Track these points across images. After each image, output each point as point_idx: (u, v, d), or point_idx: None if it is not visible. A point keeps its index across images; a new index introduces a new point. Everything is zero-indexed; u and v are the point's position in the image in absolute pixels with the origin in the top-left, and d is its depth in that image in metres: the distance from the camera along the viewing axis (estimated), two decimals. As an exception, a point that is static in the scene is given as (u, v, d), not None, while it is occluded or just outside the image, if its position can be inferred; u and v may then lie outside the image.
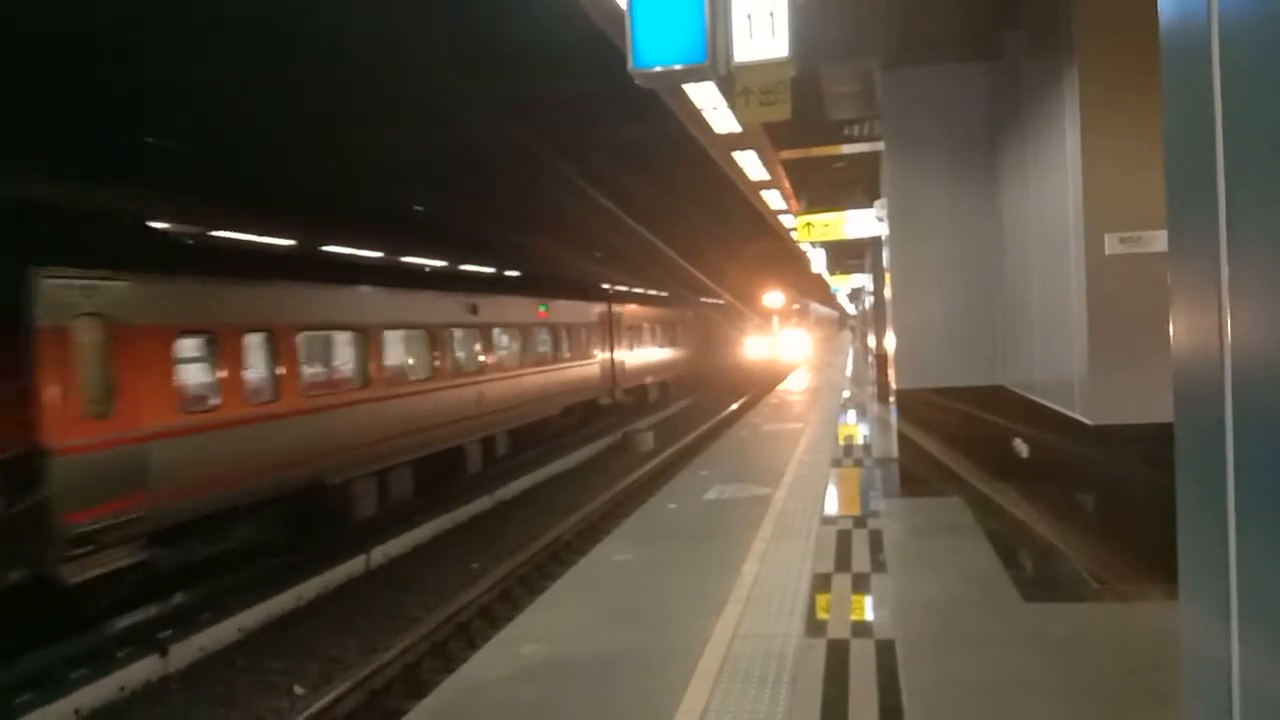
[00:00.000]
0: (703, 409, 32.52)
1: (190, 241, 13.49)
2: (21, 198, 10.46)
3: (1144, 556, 5.75)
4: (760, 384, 35.86)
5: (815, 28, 8.34)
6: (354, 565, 13.46)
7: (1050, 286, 7.62)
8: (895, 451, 10.92)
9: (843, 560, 7.75)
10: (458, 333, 18.47)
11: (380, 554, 14.13)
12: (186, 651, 10.25)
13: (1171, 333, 1.77)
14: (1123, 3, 5.92)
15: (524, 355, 21.79)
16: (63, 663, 9.60)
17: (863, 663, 5.49)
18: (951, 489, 9.66)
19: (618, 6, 6.17)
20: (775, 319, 48.46)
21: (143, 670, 9.74)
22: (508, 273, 24.27)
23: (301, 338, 13.72)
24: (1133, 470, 5.98)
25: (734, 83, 5.83)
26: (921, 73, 10.15)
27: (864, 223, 16.19)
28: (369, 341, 15.23)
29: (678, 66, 5.37)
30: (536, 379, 22.25)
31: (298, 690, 9.59)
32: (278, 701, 9.40)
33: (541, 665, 5.84)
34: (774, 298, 47.52)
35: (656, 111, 10.90)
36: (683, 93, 9.36)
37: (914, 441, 10.24)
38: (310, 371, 14.40)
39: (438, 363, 17.54)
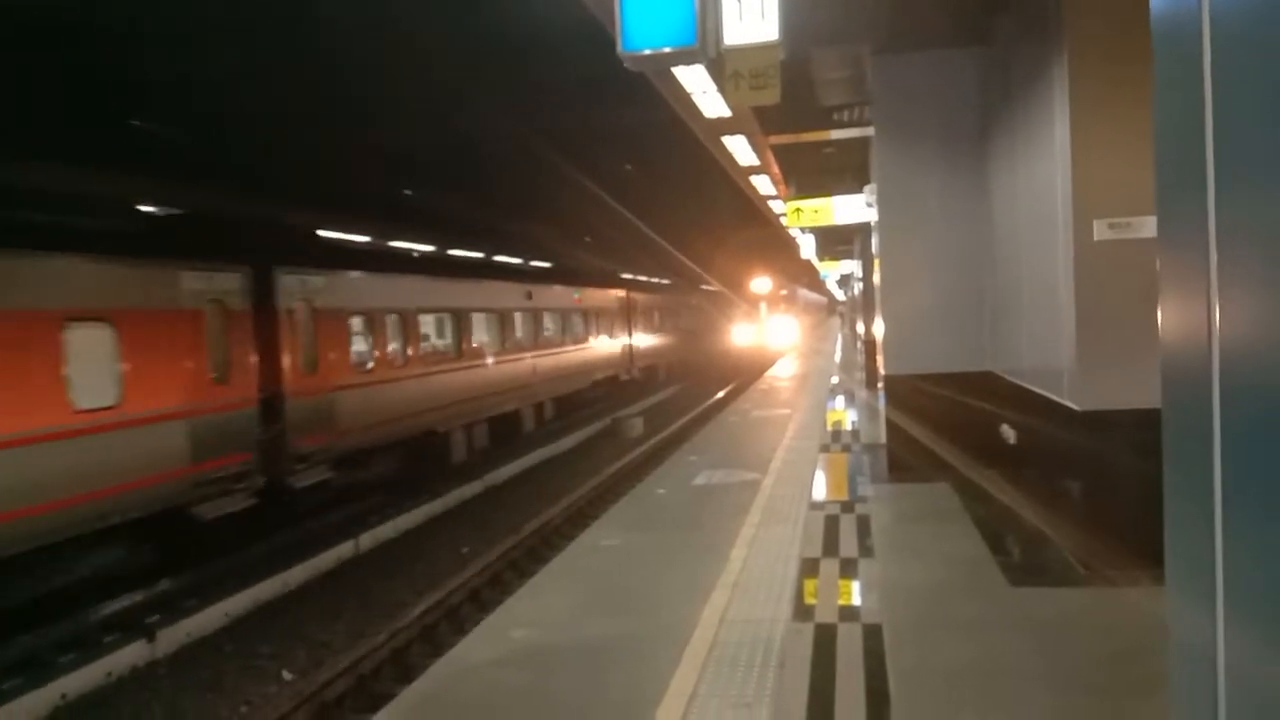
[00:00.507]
0: (690, 396, 32.55)
1: (350, 246, 17.86)
2: (258, 215, 14.79)
3: (1131, 542, 5.77)
4: (748, 371, 35.79)
5: (805, 12, 8.29)
6: (343, 550, 13.46)
7: (1039, 272, 7.62)
8: (883, 437, 10.94)
9: (830, 545, 7.77)
10: (518, 315, 22.06)
11: (369, 538, 14.13)
12: (174, 637, 10.24)
13: (1160, 320, 1.77)
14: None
15: (565, 335, 25.38)
16: (50, 647, 9.58)
17: (850, 647, 5.51)
18: (939, 475, 9.69)
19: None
20: (763, 305, 47.70)
21: (130, 655, 9.72)
22: (549, 263, 27.74)
23: (420, 319, 17.60)
24: (1120, 456, 6.00)
25: (723, 66, 5.81)
26: (912, 58, 10.12)
27: (853, 208, 16.18)
28: (461, 322, 19.09)
29: (667, 49, 5.35)
30: (575, 355, 26.03)
31: (286, 675, 9.59)
32: (266, 687, 9.40)
33: (530, 650, 5.85)
34: (761, 283, 46.88)
35: (646, 96, 10.88)
36: (672, 76, 9.32)
37: (902, 427, 10.26)
38: (426, 345, 18.01)
39: (505, 340, 21.20)
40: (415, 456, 17.18)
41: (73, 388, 10.17)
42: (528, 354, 22.39)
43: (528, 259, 26.48)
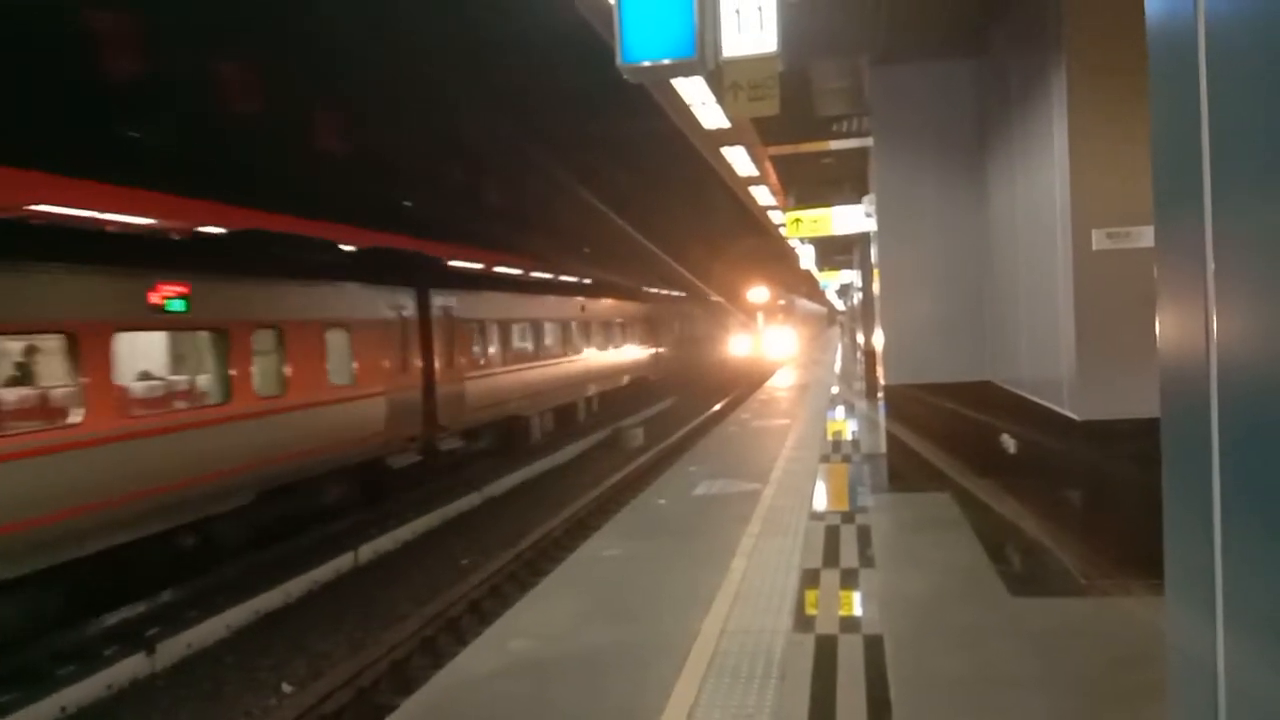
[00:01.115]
0: (687, 409, 32.50)
1: (467, 271, 22.64)
2: (416, 250, 19.89)
3: (1131, 551, 5.77)
4: (743, 384, 35.61)
5: (804, 23, 8.32)
6: (342, 561, 13.43)
7: (1038, 282, 7.64)
8: (883, 447, 10.94)
9: (831, 555, 7.77)
10: (574, 324, 26.29)
11: (369, 550, 14.11)
12: (174, 649, 10.20)
13: (1158, 329, 1.78)
14: (1110, -1, 5.93)
15: (607, 341, 29.78)
16: (49, 659, 9.56)
17: (851, 658, 5.50)
18: (939, 484, 9.69)
19: (606, 1, 6.15)
20: (760, 315, 46.71)
21: (130, 668, 9.69)
22: (590, 280, 31.99)
23: (513, 326, 22.12)
24: (1120, 465, 6.00)
25: (722, 78, 5.83)
26: (910, 69, 10.16)
27: (852, 218, 16.21)
28: (538, 329, 23.51)
29: (666, 61, 5.36)
30: (615, 358, 30.55)
31: (286, 688, 9.56)
32: (265, 699, 9.37)
33: (530, 661, 5.84)
34: (758, 293, 46.04)
35: (644, 106, 10.94)
36: (671, 88, 9.35)
37: (902, 437, 10.26)
38: (516, 347, 22.36)
39: (566, 344, 25.56)
40: (506, 434, 21.94)
41: (330, 372, 14.37)
42: (580, 355, 26.88)
43: (578, 277, 31.20)
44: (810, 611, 6.41)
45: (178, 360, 14.14)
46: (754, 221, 25.00)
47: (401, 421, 16.38)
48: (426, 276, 18.33)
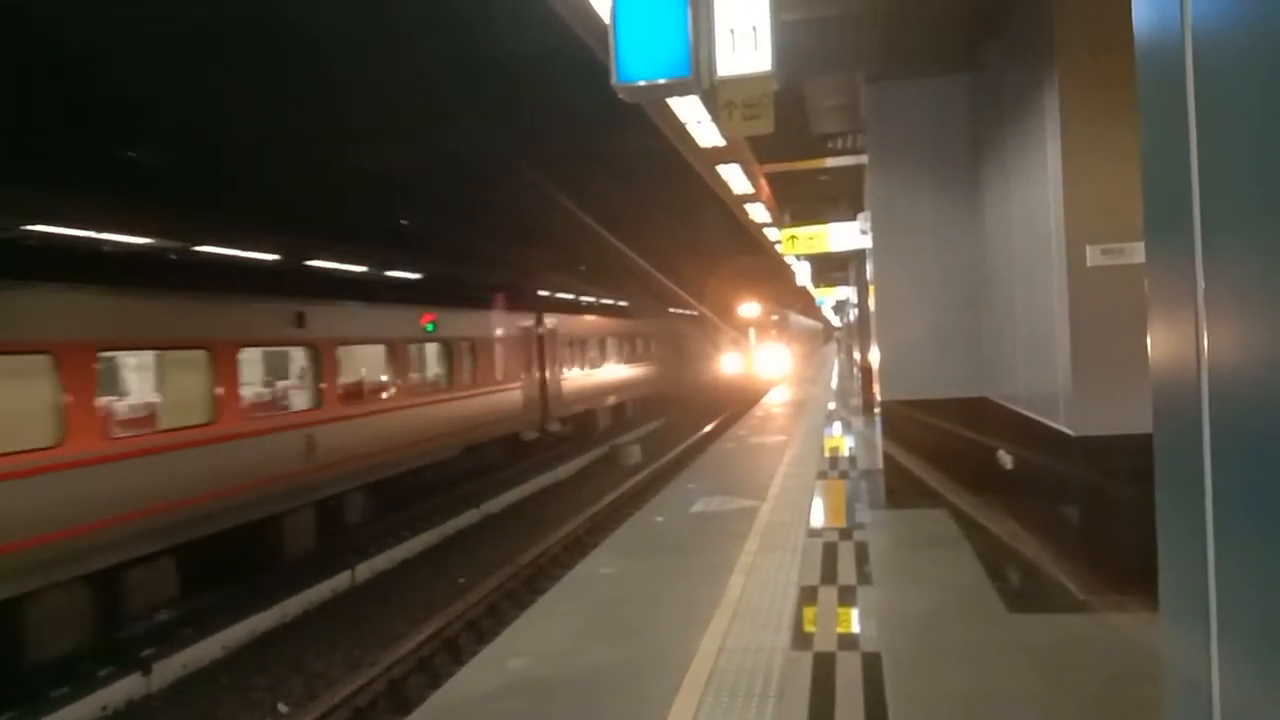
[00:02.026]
0: (684, 427, 32.47)
1: (563, 301, 30.23)
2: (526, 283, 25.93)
3: (1128, 567, 5.76)
4: (736, 403, 35.34)
5: (798, 41, 8.38)
6: (339, 581, 13.39)
7: (1033, 298, 7.66)
8: (880, 463, 10.93)
9: (829, 573, 7.75)
10: (619, 339, 31.93)
11: (366, 569, 14.07)
12: (169, 669, 10.16)
13: (1149, 345, 1.79)
14: (1104, 16, 5.96)
15: (641, 355, 34.68)
16: (44, 680, 9.51)
17: (849, 675, 5.49)
18: (937, 501, 9.68)
19: (601, 20, 6.19)
20: (751, 332, 45.16)
21: (125, 688, 9.65)
22: (624, 301, 38.06)
23: (587, 341, 27.97)
24: (1116, 481, 6.00)
25: (717, 96, 5.85)
26: (905, 86, 10.21)
27: (848, 235, 16.24)
28: (602, 342, 29.57)
29: (661, 80, 5.38)
30: (648, 370, 35.52)
31: (282, 708, 9.52)
32: (262, 719, 9.33)
33: (528, 680, 5.82)
34: (749, 309, 44.73)
35: (636, 122, 10.98)
36: (666, 106, 9.39)
37: (899, 454, 10.26)
38: (589, 357, 28.24)
39: (615, 356, 31.08)
40: (580, 426, 27.19)
41: (497, 371, 21.01)
42: (622, 365, 32.17)
43: (618, 297, 36.91)
44: (808, 629, 6.39)
45: (432, 362, 19.47)
46: (746, 236, 25.27)
47: (530, 408, 22.94)
48: (542, 303, 25.46)
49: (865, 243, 12.95)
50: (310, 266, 18.25)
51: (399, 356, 16.77)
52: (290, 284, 14.94)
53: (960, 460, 9.67)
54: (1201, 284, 1.55)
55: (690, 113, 9.61)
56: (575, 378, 26.52)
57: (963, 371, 10.02)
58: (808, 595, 7.14)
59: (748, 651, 5.96)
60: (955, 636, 6.09)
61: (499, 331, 21.30)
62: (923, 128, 10.22)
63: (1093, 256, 6.41)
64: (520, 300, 23.15)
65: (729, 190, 15.66)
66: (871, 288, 11.90)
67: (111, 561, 10.26)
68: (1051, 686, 5.22)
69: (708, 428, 29.14)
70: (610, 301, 35.69)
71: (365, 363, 16.42)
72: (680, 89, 5.59)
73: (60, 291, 10.12)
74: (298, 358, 15.13)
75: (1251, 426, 1.42)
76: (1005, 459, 8.94)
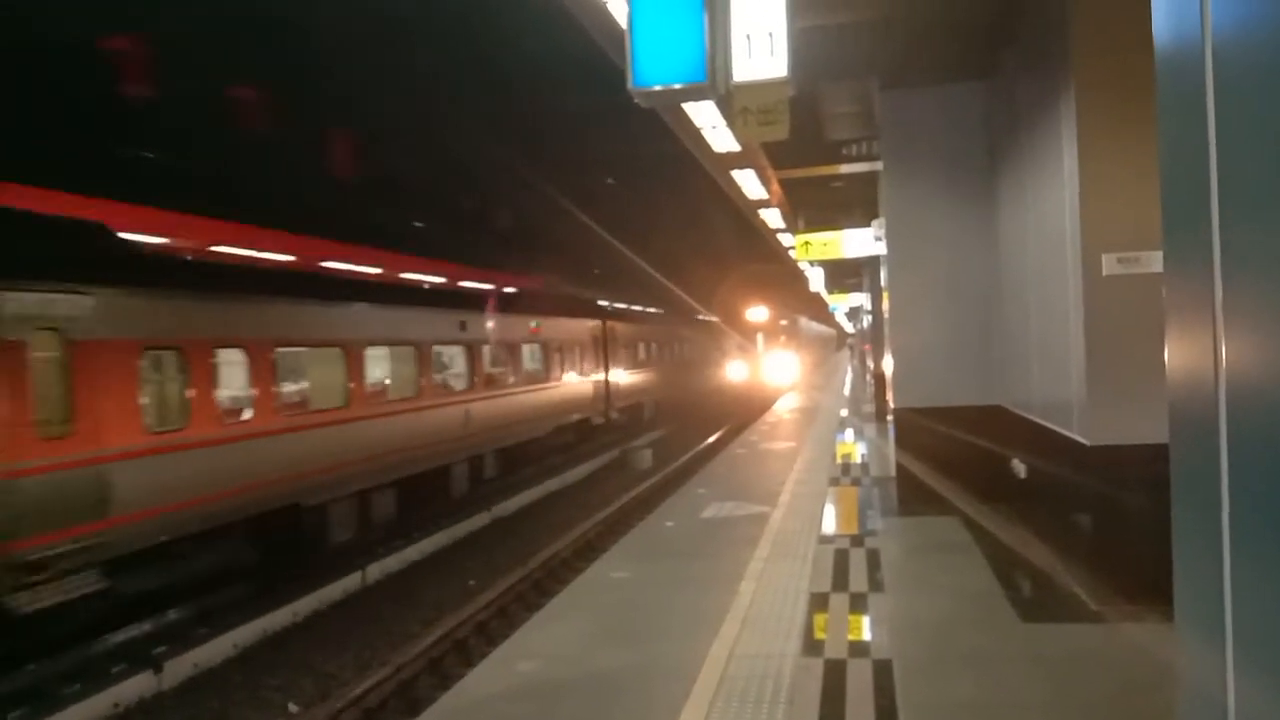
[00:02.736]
0: (695, 433, 32.43)
1: (622, 308, 32.13)
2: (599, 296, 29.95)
3: (1142, 577, 5.73)
4: (740, 414, 34.39)
5: (814, 48, 8.38)
6: (350, 581, 13.42)
7: (1048, 306, 7.63)
8: (893, 471, 10.90)
9: (840, 579, 7.73)
10: (658, 342, 35.16)
11: (377, 570, 14.10)
12: (181, 668, 10.19)
13: (1166, 354, 1.78)
14: (1120, 23, 5.95)
15: (669, 357, 37.23)
16: (56, 678, 9.55)
17: (860, 683, 5.47)
18: (949, 508, 9.65)
19: (618, 25, 6.20)
20: (760, 337, 43.21)
21: (136, 686, 9.68)
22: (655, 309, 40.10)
23: (639, 343, 32.10)
24: (1131, 491, 5.97)
25: (733, 102, 5.86)
26: (920, 93, 10.20)
27: (862, 242, 16.21)
28: (644, 345, 32.89)
29: (677, 85, 5.39)
30: (675, 371, 37.72)
31: (292, 708, 9.54)
32: (272, 719, 9.35)
33: (538, 683, 5.82)
34: (757, 313, 42.94)
35: (646, 125, 11.01)
36: (682, 111, 9.40)
37: (911, 461, 10.23)
38: (640, 356, 32.30)
39: (649, 357, 33.79)
40: (632, 415, 30.67)
41: (579, 367, 25.16)
42: (691, 364, 37.75)
43: (649, 306, 38.88)
44: (819, 635, 6.38)
45: (537, 359, 22.99)
46: (755, 239, 25.71)
47: (598, 398, 26.58)
48: (603, 311, 28.39)
49: (879, 249, 12.92)
50: (465, 287, 23.51)
51: (520, 354, 21.72)
52: (454, 300, 19.77)
53: (973, 468, 9.63)
54: (1220, 292, 1.54)
55: (705, 118, 9.62)
56: (625, 375, 29.87)
57: (976, 379, 9.99)
58: (819, 602, 7.12)
59: (758, 658, 5.95)
60: (967, 645, 6.07)
61: (578, 334, 25.43)
62: (937, 135, 10.21)
63: (1108, 265, 6.38)
64: (589, 308, 27.35)
65: (741, 194, 15.65)
66: (885, 294, 11.87)
67: (369, 485, 14.80)
68: (1063, 696, 5.19)
69: (712, 438, 29.01)
70: (646, 309, 37.13)
71: (497, 358, 20.78)
72: (696, 94, 5.60)
73: (367, 310, 15.56)
74: (459, 352, 18.99)
75: (1270, 437, 1.41)
76: (1018, 467, 8.90)
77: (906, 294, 10.59)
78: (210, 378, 11.69)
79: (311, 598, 12.51)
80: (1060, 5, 6.73)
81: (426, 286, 21.66)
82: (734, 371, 43.15)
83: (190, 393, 11.28)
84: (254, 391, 12.38)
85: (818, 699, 5.26)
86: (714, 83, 5.37)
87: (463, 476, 18.66)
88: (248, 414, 12.36)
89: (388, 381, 16.54)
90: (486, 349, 19.88)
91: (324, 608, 12.58)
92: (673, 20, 5.37)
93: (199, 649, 10.55)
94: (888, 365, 11.61)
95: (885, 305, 12.01)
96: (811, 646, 6.14)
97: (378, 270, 20.01)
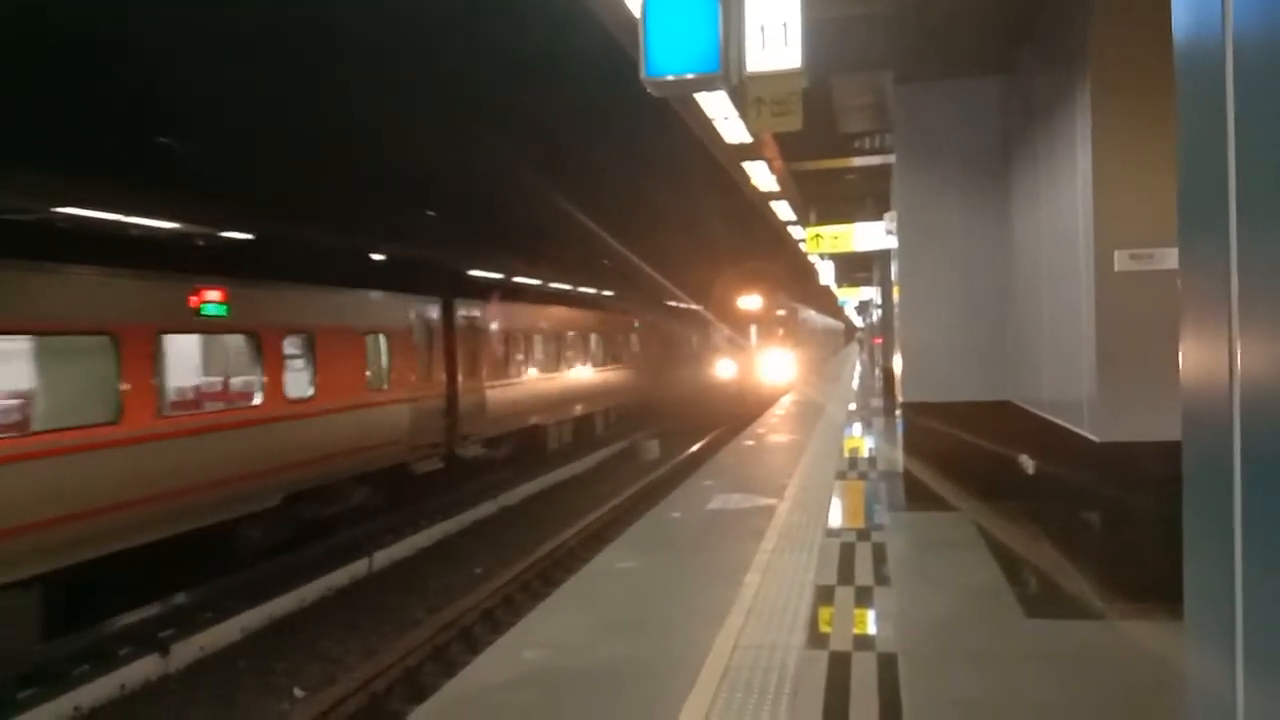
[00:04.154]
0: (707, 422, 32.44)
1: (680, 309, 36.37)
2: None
3: (1150, 575, 5.71)
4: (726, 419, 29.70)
5: (828, 40, 8.34)
6: (357, 568, 13.47)
7: (1059, 302, 7.60)
8: (900, 465, 10.89)
9: (846, 573, 7.73)
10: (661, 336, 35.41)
11: (384, 556, 14.14)
12: (187, 651, 10.25)
13: (1180, 352, 1.77)
14: (1137, 19, 5.91)
15: (681, 351, 37.19)
16: (64, 659, 9.62)
17: (865, 676, 5.47)
18: (957, 503, 9.64)
19: (631, 14, 6.18)
20: (753, 329, 35.40)
21: (143, 669, 9.74)
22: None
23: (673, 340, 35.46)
24: (1140, 488, 5.95)
25: (746, 93, 5.84)
26: (934, 86, 10.15)
27: (874, 235, 16.18)
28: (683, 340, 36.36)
29: (690, 75, 5.37)
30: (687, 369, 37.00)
31: (298, 692, 9.59)
32: (278, 703, 9.40)
33: (542, 672, 5.84)
34: (749, 300, 35.22)
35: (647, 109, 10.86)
36: (694, 101, 9.37)
37: (919, 455, 10.21)
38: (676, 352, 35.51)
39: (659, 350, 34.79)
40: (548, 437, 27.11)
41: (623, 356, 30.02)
42: (691, 357, 36.82)
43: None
44: (824, 628, 6.38)
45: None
46: (749, 211, 23.46)
47: (425, 427, 17.40)
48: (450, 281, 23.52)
49: (890, 243, 12.88)
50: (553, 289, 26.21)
51: (594, 343, 26.37)
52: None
53: (981, 463, 9.61)
54: (1236, 290, 1.53)
55: (718, 108, 9.58)
56: (518, 382, 21.99)
57: (986, 374, 9.96)
58: (824, 595, 7.12)
59: (763, 649, 5.95)
60: (972, 640, 6.06)
61: (363, 320, 15.53)
62: (951, 129, 10.16)
63: (1121, 261, 6.35)
64: (409, 278, 17.97)
65: (747, 178, 15.53)
66: (896, 288, 11.84)
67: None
68: (1068, 693, 5.18)
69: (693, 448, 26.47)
70: (576, 288, 30.58)
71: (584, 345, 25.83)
72: (709, 84, 5.58)
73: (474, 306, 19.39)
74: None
75: (1284, 436, 1.40)
76: (1027, 463, 8.88)
77: (917, 288, 10.56)
78: (524, 347, 22.34)
79: (318, 584, 12.56)
80: (1078, 1, 6.68)
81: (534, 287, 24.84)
82: (722, 369, 35.19)
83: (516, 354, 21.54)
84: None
85: (822, 691, 5.26)
86: (727, 73, 5.35)
87: (565, 432, 24.72)
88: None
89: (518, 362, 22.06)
90: (586, 336, 27.50)
91: (331, 594, 12.63)
92: (687, 9, 5.34)
93: (206, 632, 10.60)
94: (897, 359, 11.58)
95: (895, 299, 11.97)
96: (817, 639, 6.14)
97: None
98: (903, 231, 10.77)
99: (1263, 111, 1.48)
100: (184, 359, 14.63)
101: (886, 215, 13.45)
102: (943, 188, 10.21)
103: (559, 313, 25.18)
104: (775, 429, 19.32)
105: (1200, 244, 1.71)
